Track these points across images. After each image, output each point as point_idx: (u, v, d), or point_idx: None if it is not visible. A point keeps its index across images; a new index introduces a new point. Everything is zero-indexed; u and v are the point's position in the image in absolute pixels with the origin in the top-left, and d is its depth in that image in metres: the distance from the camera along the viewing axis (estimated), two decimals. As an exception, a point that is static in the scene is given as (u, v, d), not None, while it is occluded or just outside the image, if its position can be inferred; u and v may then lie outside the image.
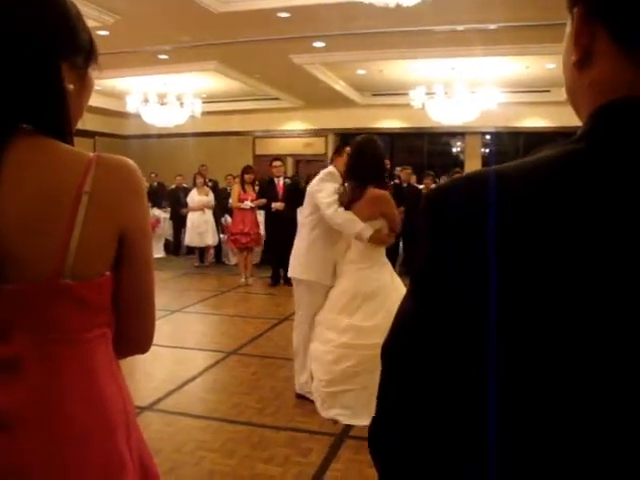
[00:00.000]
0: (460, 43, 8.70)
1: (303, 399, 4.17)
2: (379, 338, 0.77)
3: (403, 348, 0.71)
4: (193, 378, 4.66)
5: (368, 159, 3.88)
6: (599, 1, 0.64)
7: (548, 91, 12.53)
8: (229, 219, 10.54)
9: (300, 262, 4.13)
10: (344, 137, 15.11)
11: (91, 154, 1.09)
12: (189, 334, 6.36)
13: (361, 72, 11.54)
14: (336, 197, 3.94)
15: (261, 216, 9.08)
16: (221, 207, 10.97)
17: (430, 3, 6.19)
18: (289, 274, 4.30)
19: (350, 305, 3.83)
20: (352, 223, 3.85)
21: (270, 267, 9.23)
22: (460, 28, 8.10)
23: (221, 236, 11.11)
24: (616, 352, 0.57)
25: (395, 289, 3.82)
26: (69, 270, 1.03)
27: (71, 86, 1.09)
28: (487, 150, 14.93)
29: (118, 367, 1.19)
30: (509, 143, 14.63)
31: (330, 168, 4.21)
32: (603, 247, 0.58)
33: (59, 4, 1.09)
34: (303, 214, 4.31)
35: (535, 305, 0.60)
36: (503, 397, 0.62)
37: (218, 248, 11.28)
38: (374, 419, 0.76)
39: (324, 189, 4.01)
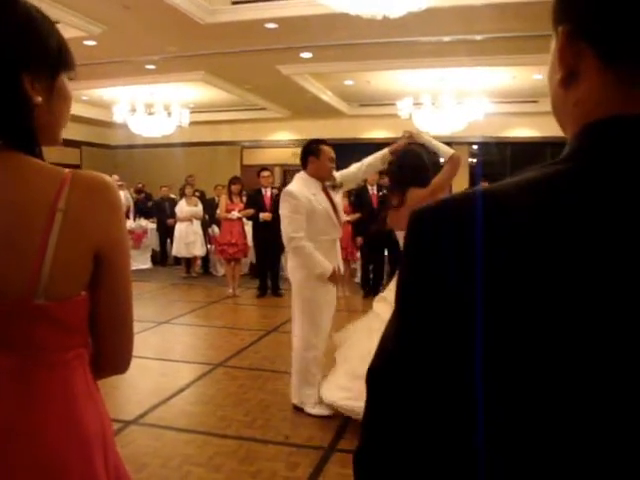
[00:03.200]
0: (447, 54, 8.76)
1: (298, 411, 4.13)
2: None
3: (389, 374, 0.69)
4: (180, 391, 4.61)
5: (410, 161, 3.78)
6: (584, 20, 0.63)
7: (535, 101, 12.64)
8: (216, 229, 10.50)
9: (290, 263, 4.12)
10: (332, 147, 15.13)
11: (66, 170, 1.05)
12: (176, 346, 6.29)
13: (348, 82, 11.58)
14: (300, 223, 3.81)
15: (249, 227, 9.04)
16: (209, 218, 10.94)
17: (417, 14, 6.21)
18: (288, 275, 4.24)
19: None
20: (313, 263, 3.84)
21: (257, 278, 9.19)
22: (447, 39, 8.16)
23: (208, 247, 11.07)
24: (605, 372, 0.56)
25: None
26: (43, 290, 1.00)
27: (39, 98, 1.04)
28: (474, 160, 15.01)
29: (96, 387, 1.16)
30: (496, 153, 14.72)
31: (295, 181, 4.02)
32: (591, 267, 0.57)
33: (17, 12, 1.04)
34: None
35: (524, 329, 0.58)
36: (491, 424, 0.61)
37: (205, 259, 11.23)
38: (360, 447, 0.74)
39: (288, 214, 3.86)
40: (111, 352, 1.16)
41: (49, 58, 1.08)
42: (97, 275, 1.09)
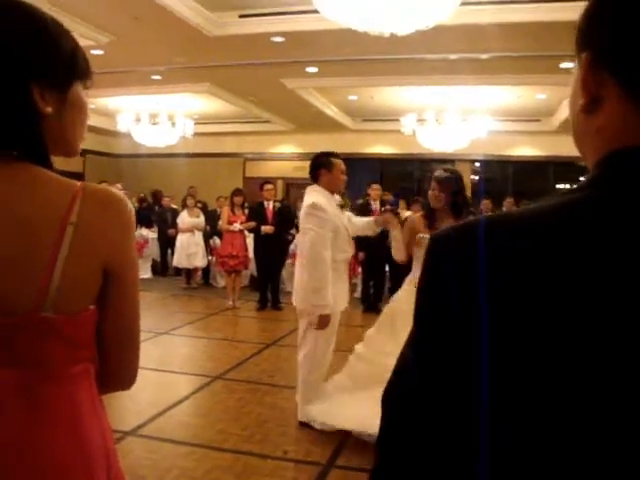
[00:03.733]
0: (452, 72, 8.80)
1: (301, 426, 4.09)
2: None
3: (405, 398, 0.69)
4: (178, 403, 4.58)
5: (459, 189, 3.76)
6: (607, 48, 0.64)
7: (538, 120, 12.68)
8: (218, 241, 10.49)
9: (299, 292, 4.00)
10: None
11: (78, 183, 1.04)
12: (175, 357, 6.27)
13: (353, 97, 11.64)
14: (327, 238, 3.75)
15: (250, 239, 9.03)
16: (210, 229, 10.94)
17: (423, 32, 6.25)
18: (294, 303, 4.13)
19: None
20: (319, 291, 3.73)
21: (257, 291, 9.17)
22: (453, 57, 8.20)
23: (209, 258, 11.06)
24: (607, 401, 0.56)
25: None
26: (51, 303, 0.98)
27: (49, 108, 1.02)
28: (477, 177, 15.04)
29: (101, 404, 1.15)
30: (498, 171, 14.76)
31: (315, 193, 3.92)
32: (604, 295, 0.56)
33: (25, 18, 1.02)
34: (299, 241, 4.22)
35: (525, 354, 0.59)
36: (496, 448, 0.61)
37: (206, 270, 11.22)
38: (377, 467, 0.74)
39: (316, 228, 3.73)
40: (117, 367, 1.15)
41: (60, 66, 1.06)
42: (105, 290, 1.08)
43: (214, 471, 3.42)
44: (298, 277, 4.06)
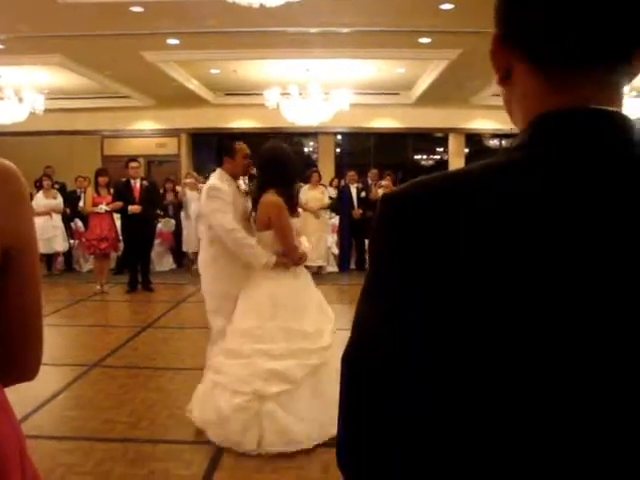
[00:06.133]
0: (314, 45, 8.88)
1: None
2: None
3: (375, 359, 0.69)
4: (53, 396, 4.31)
5: (269, 162, 3.71)
6: (513, 25, 0.69)
7: (397, 94, 13.15)
8: (80, 224, 9.93)
9: (205, 274, 3.95)
10: (197, 137, 14.87)
11: None
12: (44, 348, 5.88)
13: (215, 71, 11.40)
14: (231, 215, 3.69)
15: (117, 220, 8.64)
16: (71, 211, 10.31)
17: (287, 5, 6.23)
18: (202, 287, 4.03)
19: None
20: (258, 253, 3.65)
21: (127, 273, 8.82)
22: (314, 30, 8.26)
23: (71, 242, 10.44)
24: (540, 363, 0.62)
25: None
26: None
27: None
28: (339, 150, 15.40)
29: (5, 398, 1.06)
30: (360, 143, 15.20)
31: (216, 177, 3.88)
32: (543, 253, 0.62)
33: None
34: (202, 228, 4.12)
35: (475, 314, 0.63)
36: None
37: (68, 254, 10.59)
38: (345, 437, 0.73)
39: (219, 208, 3.70)
40: (20, 358, 1.06)
41: None
42: (4, 273, 0.98)
43: (105, 463, 3.28)
44: (200, 259, 4.06)
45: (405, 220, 0.68)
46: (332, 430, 3.37)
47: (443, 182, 0.69)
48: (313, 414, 3.43)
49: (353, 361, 0.72)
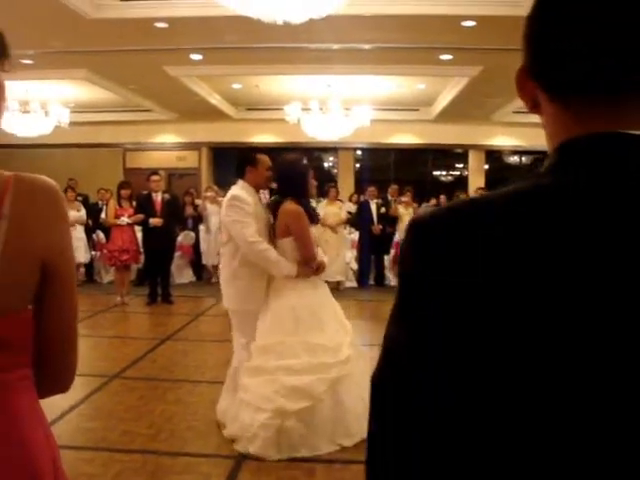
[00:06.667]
0: (335, 61, 8.94)
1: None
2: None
3: (402, 382, 0.71)
4: (74, 407, 4.34)
5: (289, 173, 3.79)
6: (533, 61, 0.73)
7: (417, 109, 13.16)
8: (101, 235, 10.04)
9: (226, 292, 3.92)
10: (218, 151, 14.99)
11: (6, 173, 0.96)
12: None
13: (237, 86, 11.52)
14: (254, 227, 3.69)
15: (139, 232, 8.73)
16: (93, 223, 10.44)
17: (309, 22, 6.30)
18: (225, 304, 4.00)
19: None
20: (281, 266, 3.66)
21: (147, 285, 8.89)
22: (335, 47, 8.32)
23: (93, 253, 10.57)
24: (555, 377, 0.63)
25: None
26: None
27: None
28: (359, 165, 15.43)
29: (41, 408, 1.08)
30: (380, 159, 15.22)
31: (238, 187, 3.88)
32: (577, 269, 0.63)
33: None
34: (221, 241, 4.09)
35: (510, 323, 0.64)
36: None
37: (89, 266, 10.70)
38: (372, 432, 0.74)
39: (240, 220, 3.70)
40: (55, 370, 1.08)
41: None
42: (44, 288, 1.01)
43: (124, 474, 3.30)
44: (221, 275, 4.03)
45: (427, 245, 0.71)
46: (346, 440, 3.48)
47: (466, 208, 0.72)
48: (331, 425, 3.50)
49: (379, 380, 0.73)
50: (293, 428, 3.42)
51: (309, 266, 3.73)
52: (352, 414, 3.49)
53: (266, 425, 3.43)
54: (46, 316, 1.02)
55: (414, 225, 0.74)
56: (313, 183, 3.96)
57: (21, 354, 1.00)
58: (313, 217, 3.85)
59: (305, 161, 3.99)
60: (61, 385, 1.12)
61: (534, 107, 0.76)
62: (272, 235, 3.87)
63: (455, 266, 0.67)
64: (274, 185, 4.14)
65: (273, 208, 3.85)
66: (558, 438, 0.63)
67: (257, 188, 3.95)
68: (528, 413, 0.64)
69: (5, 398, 0.97)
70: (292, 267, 3.68)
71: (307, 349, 3.57)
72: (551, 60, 0.70)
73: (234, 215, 3.74)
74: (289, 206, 3.71)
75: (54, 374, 1.09)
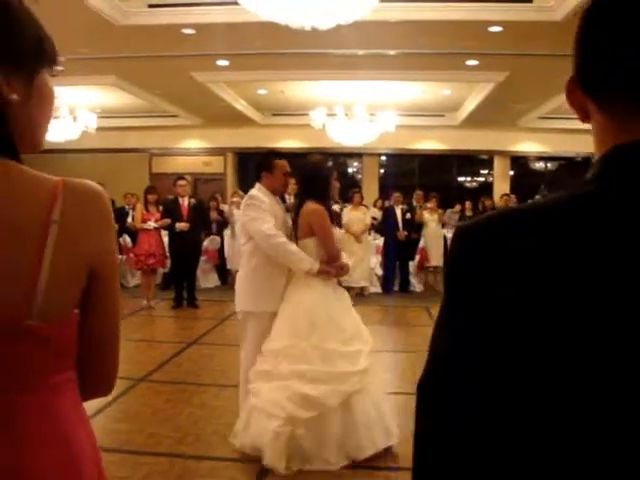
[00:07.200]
0: (361, 67, 8.94)
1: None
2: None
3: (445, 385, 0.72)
4: (101, 409, 4.38)
5: (312, 174, 3.80)
6: (580, 72, 0.74)
7: (442, 115, 13.11)
8: (128, 239, 10.15)
9: (241, 293, 3.88)
10: (243, 156, 15.07)
11: (55, 178, 0.97)
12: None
13: (262, 92, 11.58)
14: (272, 223, 3.67)
15: (165, 236, 8.80)
16: (120, 227, 10.54)
17: (334, 28, 6.31)
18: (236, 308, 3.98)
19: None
20: (298, 258, 3.63)
21: (173, 289, 8.95)
22: (361, 53, 8.33)
23: (119, 257, 10.67)
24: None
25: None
26: (37, 310, 0.91)
27: (14, 95, 0.94)
28: (383, 171, 15.40)
29: (84, 411, 1.09)
30: (405, 164, 15.18)
31: (255, 189, 3.89)
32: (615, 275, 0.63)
33: None
34: (240, 242, 4.10)
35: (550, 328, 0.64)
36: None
37: (115, 269, 10.80)
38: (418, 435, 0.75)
39: (257, 216, 3.69)
40: (98, 373, 1.09)
41: (26, 51, 0.98)
42: (89, 292, 1.02)
43: (150, 477, 3.32)
44: (237, 277, 4.02)
45: (460, 255, 0.73)
46: (359, 453, 3.41)
47: (499, 219, 0.73)
48: (341, 437, 3.42)
49: (426, 384, 0.74)
50: (303, 437, 3.34)
51: (332, 266, 3.71)
52: (364, 427, 3.43)
53: (277, 433, 3.33)
54: (90, 320, 1.03)
55: (454, 235, 0.76)
56: (336, 185, 3.94)
57: (67, 357, 1.01)
58: (333, 219, 3.85)
59: (330, 163, 3.95)
60: (104, 388, 1.13)
61: (585, 117, 0.76)
62: (292, 237, 3.85)
63: (486, 277, 0.68)
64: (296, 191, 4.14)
65: (295, 210, 3.86)
66: (583, 450, 0.63)
67: (274, 193, 3.91)
68: (562, 427, 0.64)
69: (51, 400, 0.98)
70: (314, 262, 3.65)
71: (321, 355, 3.48)
72: (599, 67, 0.70)
73: (251, 213, 3.74)
74: (311, 205, 3.71)
75: (97, 377, 1.09)
